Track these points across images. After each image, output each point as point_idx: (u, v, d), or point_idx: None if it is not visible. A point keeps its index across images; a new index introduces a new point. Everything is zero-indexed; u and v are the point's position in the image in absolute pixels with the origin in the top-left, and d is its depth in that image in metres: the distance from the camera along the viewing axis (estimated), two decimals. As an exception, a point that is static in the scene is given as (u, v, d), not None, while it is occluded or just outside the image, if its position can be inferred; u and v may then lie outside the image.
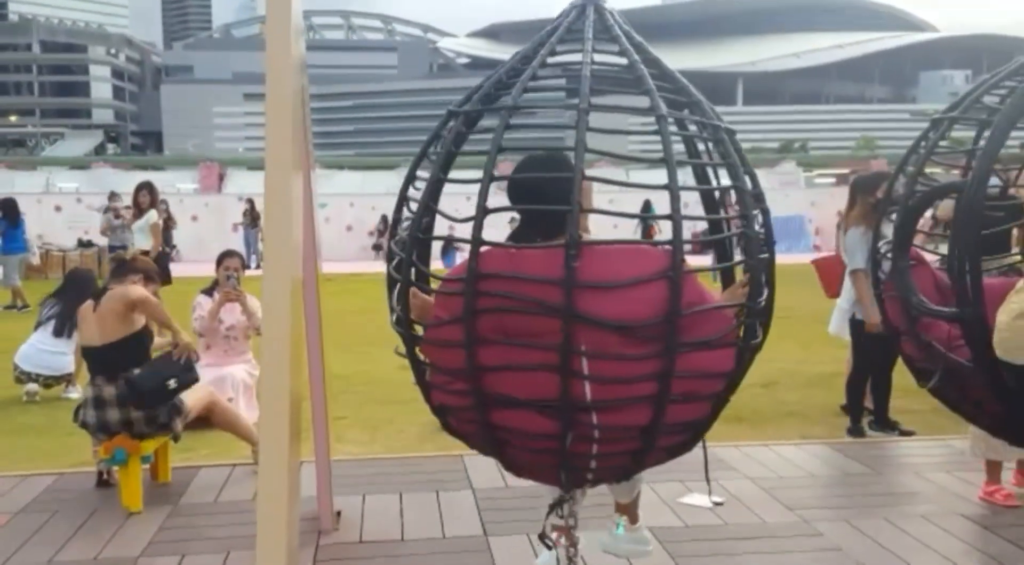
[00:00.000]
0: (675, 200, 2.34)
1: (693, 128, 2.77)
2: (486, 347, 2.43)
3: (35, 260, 18.29)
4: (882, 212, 4.14)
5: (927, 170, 3.63)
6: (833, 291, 6.38)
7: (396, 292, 2.68)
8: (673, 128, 2.65)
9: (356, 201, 28.88)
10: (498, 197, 2.44)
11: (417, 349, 2.67)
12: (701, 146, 2.96)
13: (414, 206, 2.62)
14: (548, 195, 2.46)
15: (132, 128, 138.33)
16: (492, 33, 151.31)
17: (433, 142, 2.69)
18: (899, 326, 3.60)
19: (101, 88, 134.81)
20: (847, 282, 5.81)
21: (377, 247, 27.61)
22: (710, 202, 2.97)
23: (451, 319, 2.46)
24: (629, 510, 3.29)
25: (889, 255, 3.63)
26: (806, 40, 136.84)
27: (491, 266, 2.41)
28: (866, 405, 6.31)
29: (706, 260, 3.45)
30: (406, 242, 2.60)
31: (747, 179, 2.59)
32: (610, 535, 3.31)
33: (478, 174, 2.40)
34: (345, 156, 70.49)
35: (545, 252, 2.40)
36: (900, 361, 5.43)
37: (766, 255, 2.60)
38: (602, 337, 2.38)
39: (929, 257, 3.80)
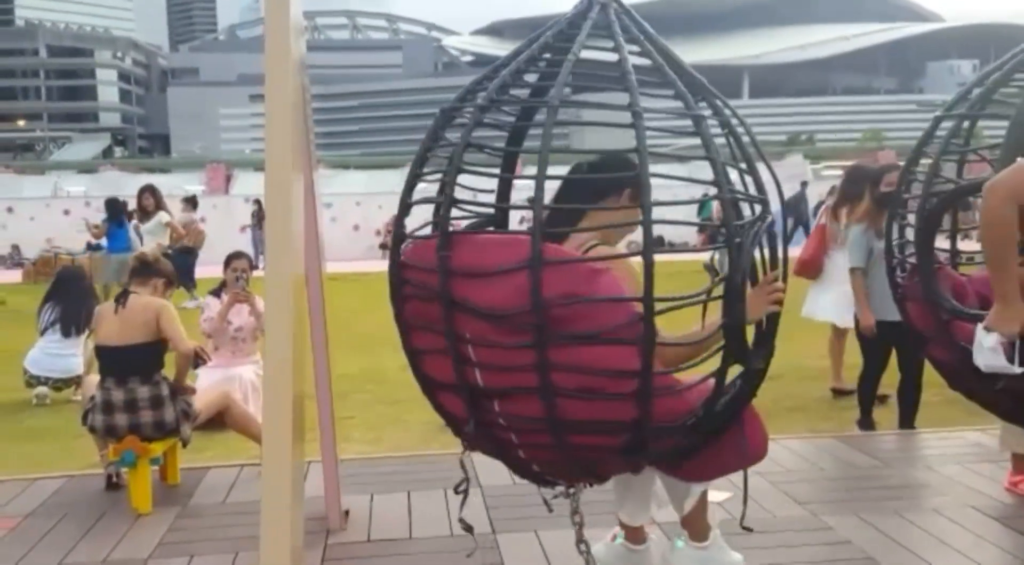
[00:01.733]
0: (538, 190, 2.39)
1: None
2: (414, 332, 2.69)
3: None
4: (894, 208, 4.13)
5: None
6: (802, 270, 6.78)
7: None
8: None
9: (362, 200, 28.87)
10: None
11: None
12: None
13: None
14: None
15: (139, 131, 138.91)
16: (496, 30, 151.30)
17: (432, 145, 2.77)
18: (925, 330, 3.56)
19: (108, 91, 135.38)
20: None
21: (384, 246, 27.64)
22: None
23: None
24: (689, 524, 3.07)
25: (908, 259, 3.60)
26: (811, 32, 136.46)
27: (406, 255, 2.65)
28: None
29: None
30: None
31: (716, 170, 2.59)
32: (670, 550, 3.14)
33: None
34: (351, 155, 70.57)
35: (431, 242, 2.54)
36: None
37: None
38: (481, 325, 2.45)
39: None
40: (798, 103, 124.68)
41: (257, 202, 22.81)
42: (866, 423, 5.66)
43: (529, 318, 2.35)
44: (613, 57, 2.66)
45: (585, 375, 2.41)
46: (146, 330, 4.51)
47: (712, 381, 2.56)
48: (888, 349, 5.57)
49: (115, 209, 13.52)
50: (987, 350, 2.81)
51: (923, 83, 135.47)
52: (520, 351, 2.40)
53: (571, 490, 2.94)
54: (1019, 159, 2.72)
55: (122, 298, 4.58)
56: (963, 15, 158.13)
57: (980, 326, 2.86)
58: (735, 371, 2.64)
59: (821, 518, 4.02)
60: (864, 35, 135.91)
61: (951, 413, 5.63)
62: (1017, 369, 2.81)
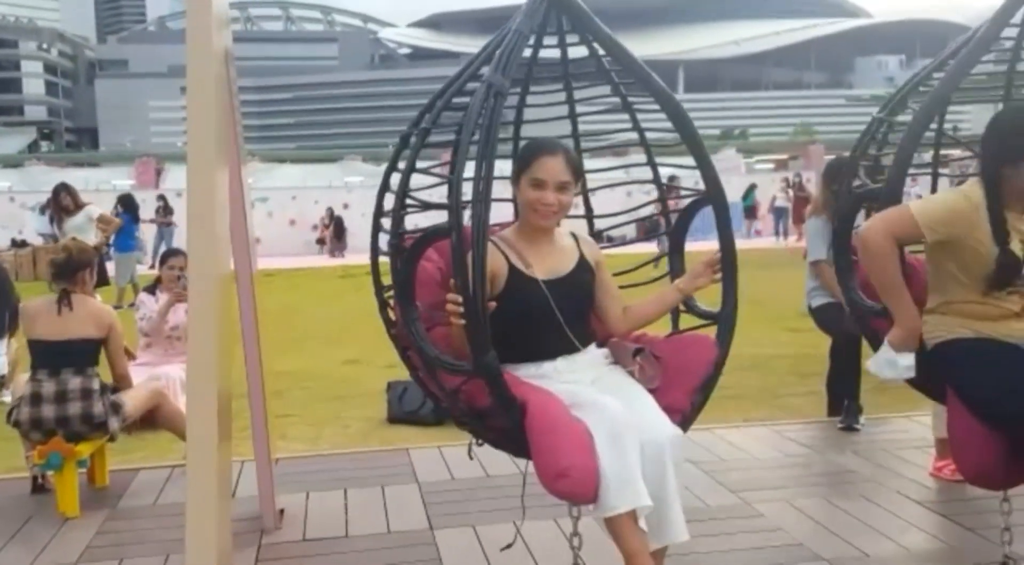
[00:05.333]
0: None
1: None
2: None
3: (147, 259, 17.84)
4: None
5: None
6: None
7: None
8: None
9: (299, 195, 28.55)
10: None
11: None
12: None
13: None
14: None
15: (66, 124, 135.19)
16: (434, 23, 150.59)
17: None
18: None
19: (33, 84, 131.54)
20: (806, 269, 5.74)
21: (321, 241, 27.32)
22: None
23: None
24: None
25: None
26: (745, 27, 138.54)
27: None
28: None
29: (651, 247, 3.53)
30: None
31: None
32: None
33: None
34: (286, 149, 69.57)
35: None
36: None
37: None
38: None
39: None
40: (732, 97, 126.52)
41: (161, 197, 22.29)
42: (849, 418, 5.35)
43: None
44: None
45: None
46: (90, 330, 4.48)
47: None
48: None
49: (131, 206, 13.32)
50: (902, 367, 3.06)
51: (852, 78, 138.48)
52: None
53: None
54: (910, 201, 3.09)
55: (65, 299, 4.49)
56: (890, 11, 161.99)
57: (885, 346, 3.08)
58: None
59: (753, 506, 4.09)
60: (795, 31, 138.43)
61: (879, 401, 5.76)
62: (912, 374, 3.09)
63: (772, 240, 24.73)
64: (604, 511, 2.64)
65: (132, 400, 4.59)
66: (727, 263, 3.09)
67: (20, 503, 4.42)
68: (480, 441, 3.03)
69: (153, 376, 5.21)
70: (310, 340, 9.54)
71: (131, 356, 5.14)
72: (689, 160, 3.15)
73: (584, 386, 2.87)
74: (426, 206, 2.85)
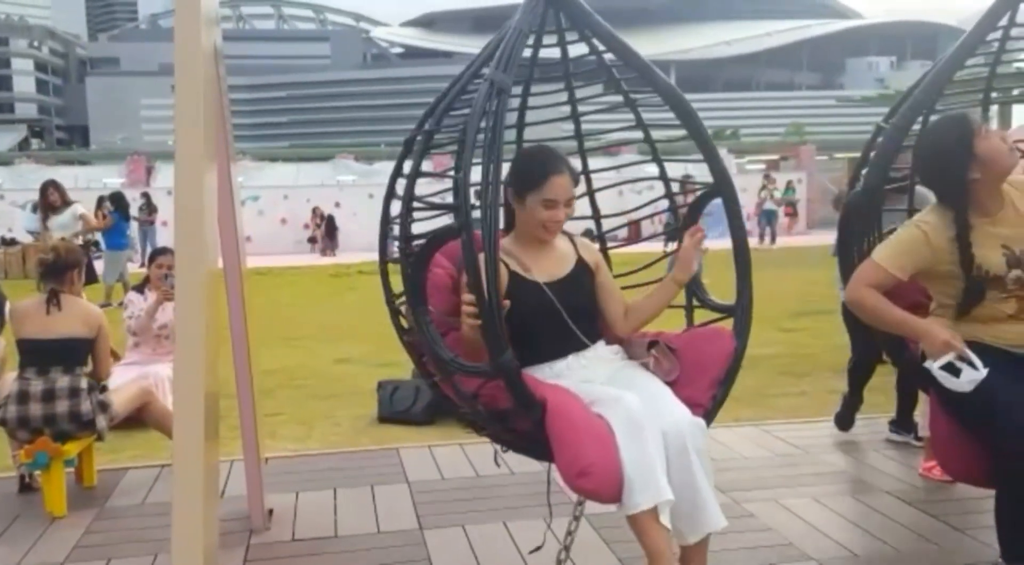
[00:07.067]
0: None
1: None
2: None
3: (136, 257, 17.97)
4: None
5: None
6: None
7: None
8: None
9: (290, 193, 28.45)
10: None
11: None
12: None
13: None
14: None
15: (57, 122, 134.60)
16: (426, 22, 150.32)
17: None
18: None
19: (24, 82, 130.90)
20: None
21: (312, 240, 27.26)
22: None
23: None
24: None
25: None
26: (737, 28, 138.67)
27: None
28: None
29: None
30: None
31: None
32: None
33: None
34: (278, 148, 69.39)
35: None
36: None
37: None
38: None
39: None
40: (724, 98, 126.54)
41: (144, 195, 22.11)
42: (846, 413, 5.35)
43: None
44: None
45: None
46: (79, 330, 4.48)
47: None
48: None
49: (121, 204, 13.32)
50: (965, 380, 2.95)
51: (843, 79, 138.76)
52: None
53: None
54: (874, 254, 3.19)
55: (54, 299, 4.48)
56: (881, 13, 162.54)
57: (931, 365, 3.03)
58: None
59: (743, 506, 4.09)
60: (787, 32, 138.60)
61: (870, 401, 5.76)
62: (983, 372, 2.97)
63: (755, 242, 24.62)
64: (628, 509, 2.66)
65: (119, 399, 4.58)
66: (740, 255, 3.10)
67: (7, 503, 4.39)
68: (505, 448, 3.02)
69: (142, 375, 5.20)
70: (301, 339, 9.51)
71: (116, 357, 5.12)
72: (694, 157, 3.16)
73: (599, 383, 2.88)
74: (433, 207, 2.83)
